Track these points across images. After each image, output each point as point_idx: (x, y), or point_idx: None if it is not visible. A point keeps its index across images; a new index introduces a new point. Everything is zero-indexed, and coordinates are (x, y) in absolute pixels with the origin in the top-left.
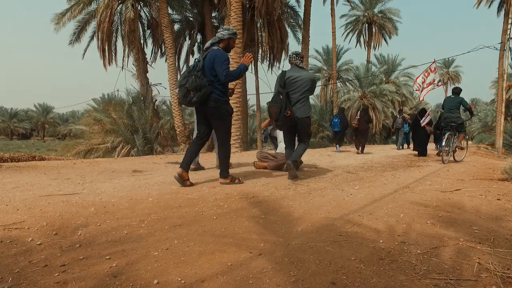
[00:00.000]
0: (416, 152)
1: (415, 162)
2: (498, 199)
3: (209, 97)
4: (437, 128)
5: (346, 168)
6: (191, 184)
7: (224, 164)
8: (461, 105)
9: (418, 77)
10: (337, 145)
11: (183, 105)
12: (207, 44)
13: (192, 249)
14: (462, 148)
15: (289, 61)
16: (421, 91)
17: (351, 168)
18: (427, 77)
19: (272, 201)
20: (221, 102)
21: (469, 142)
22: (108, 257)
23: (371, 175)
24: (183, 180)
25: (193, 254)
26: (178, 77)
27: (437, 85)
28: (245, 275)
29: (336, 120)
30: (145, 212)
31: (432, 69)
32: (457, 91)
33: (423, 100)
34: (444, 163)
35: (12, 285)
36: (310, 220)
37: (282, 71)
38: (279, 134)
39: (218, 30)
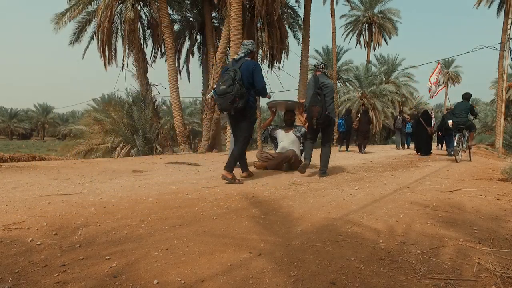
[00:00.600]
0: (418, 152)
1: (415, 162)
2: (498, 199)
3: (247, 104)
4: (439, 130)
5: (346, 168)
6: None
7: (233, 159)
8: (469, 111)
9: (431, 76)
10: (339, 145)
11: (224, 112)
12: (240, 54)
13: (192, 249)
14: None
15: (317, 69)
16: (436, 91)
17: (351, 168)
18: (437, 77)
19: (272, 201)
20: (253, 108)
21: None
22: (108, 257)
23: (371, 175)
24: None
25: (193, 254)
26: (178, 77)
27: (441, 86)
28: (245, 275)
29: (341, 121)
30: (145, 212)
31: (440, 70)
32: (467, 96)
33: (432, 98)
34: (457, 162)
35: (12, 285)
36: (310, 220)
37: (314, 76)
38: (279, 134)
39: (245, 43)
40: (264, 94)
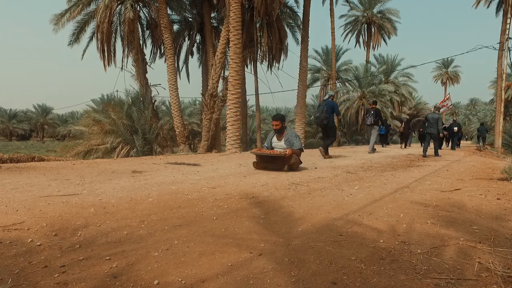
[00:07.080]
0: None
1: (415, 162)
2: (498, 199)
3: (329, 121)
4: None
5: (346, 168)
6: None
7: (326, 148)
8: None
9: (443, 107)
10: (383, 144)
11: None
12: (325, 97)
13: (192, 250)
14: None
15: (434, 110)
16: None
17: (350, 168)
18: (446, 104)
19: (272, 202)
20: (334, 124)
21: (469, 142)
22: (108, 257)
23: (371, 175)
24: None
25: (193, 254)
26: (178, 77)
27: (449, 107)
28: (245, 275)
29: (381, 126)
30: (145, 212)
31: (447, 97)
32: (483, 123)
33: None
34: (480, 150)
35: (12, 286)
36: (311, 220)
37: (434, 111)
38: (273, 140)
39: (329, 92)
40: (338, 115)
